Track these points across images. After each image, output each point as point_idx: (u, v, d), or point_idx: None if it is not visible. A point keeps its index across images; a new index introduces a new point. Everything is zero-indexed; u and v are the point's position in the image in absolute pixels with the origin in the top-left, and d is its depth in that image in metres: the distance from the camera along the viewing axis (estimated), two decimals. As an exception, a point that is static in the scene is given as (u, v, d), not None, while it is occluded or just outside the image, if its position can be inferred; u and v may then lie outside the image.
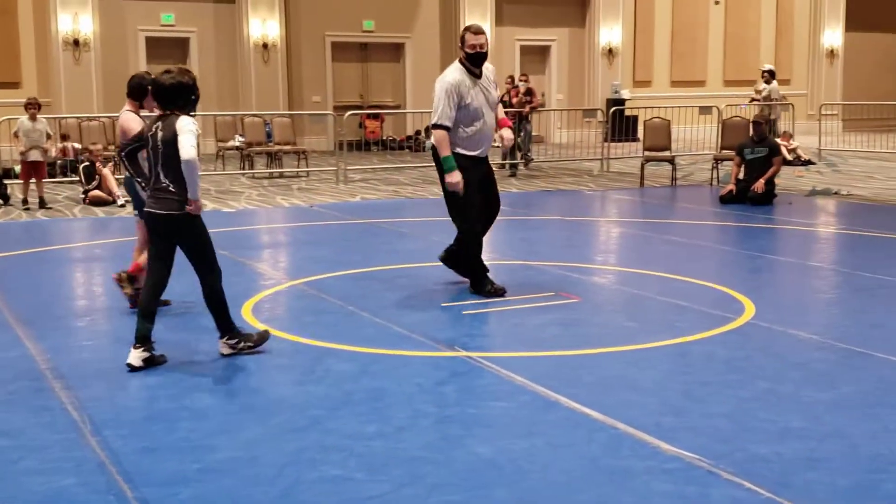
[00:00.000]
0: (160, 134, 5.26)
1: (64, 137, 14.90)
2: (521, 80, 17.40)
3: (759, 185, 11.90)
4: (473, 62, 6.84)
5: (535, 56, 23.95)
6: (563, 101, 23.95)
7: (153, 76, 5.59)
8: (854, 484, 3.65)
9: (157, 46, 20.41)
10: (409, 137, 21.54)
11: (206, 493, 3.62)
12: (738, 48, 26.13)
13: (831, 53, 27.07)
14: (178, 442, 4.13)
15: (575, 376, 5.05)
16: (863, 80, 28.10)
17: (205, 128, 19.80)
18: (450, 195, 6.91)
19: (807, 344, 5.65)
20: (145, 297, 5.39)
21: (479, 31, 6.89)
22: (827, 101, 24.30)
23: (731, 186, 12.28)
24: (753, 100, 19.50)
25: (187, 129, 5.17)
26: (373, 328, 6.02)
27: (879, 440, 4.08)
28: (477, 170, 6.93)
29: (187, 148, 5.13)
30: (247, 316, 6.36)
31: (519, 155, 16.71)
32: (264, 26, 20.41)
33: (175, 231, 5.34)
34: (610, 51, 23.98)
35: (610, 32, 23.92)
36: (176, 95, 5.27)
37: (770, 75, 19.51)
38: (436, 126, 6.78)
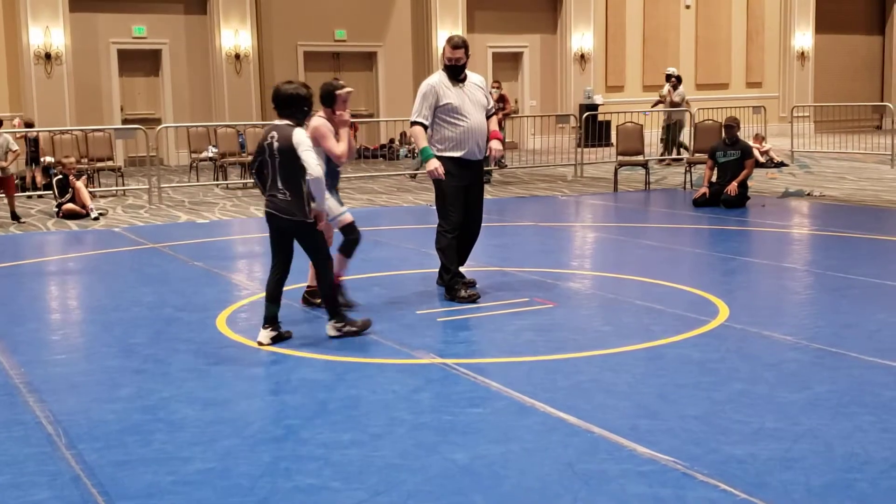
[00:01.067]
0: (276, 144, 5.72)
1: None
2: (493, 87, 17.47)
3: (732, 187, 11.98)
4: (451, 73, 7.02)
5: (508, 63, 24.03)
6: (536, 107, 24.03)
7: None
8: (829, 483, 3.67)
9: (130, 59, 20.33)
10: (382, 146, 21.53)
11: (181, 506, 3.60)
12: (710, 52, 26.32)
13: (802, 56, 27.32)
14: (153, 454, 4.10)
15: (550, 381, 5.06)
16: (833, 81, 28.37)
17: (178, 139, 19.78)
18: (439, 195, 7.03)
19: (780, 345, 5.69)
20: (271, 285, 5.89)
21: (457, 46, 7.00)
22: (798, 104, 24.51)
23: (705, 189, 12.35)
24: (658, 102, 19.67)
25: (307, 146, 5.64)
26: (348, 337, 6.00)
27: (853, 439, 4.11)
28: (463, 176, 6.99)
29: (314, 166, 5.60)
30: (221, 327, 6.34)
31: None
32: (236, 37, 20.37)
33: (294, 233, 5.84)
34: (582, 56, 24.09)
35: (581, 38, 24.03)
36: (291, 103, 5.77)
37: (677, 80, 19.58)
38: (413, 123, 7.03)
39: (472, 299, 6.88)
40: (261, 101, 20.97)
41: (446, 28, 22.18)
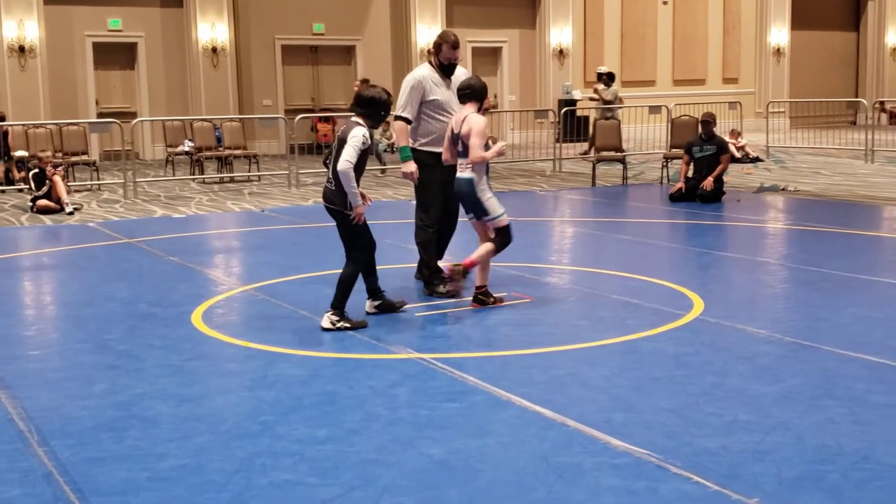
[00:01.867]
0: (338, 134, 6.07)
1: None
2: (472, 82, 17.44)
3: (708, 182, 12.04)
4: (444, 71, 7.06)
5: (487, 57, 24.03)
6: (515, 102, 24.06)
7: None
8: (800, 475, 3.70)
9: (105, 52, 20.19)
10: (361, 140, 21.47)
11: (155, 502, 3.58)
12: (687, 48, 26.43)
13: (778, 52, 27.47)
14: (127, 451, 4.09)
15: (527, 375, 5.07)
16: (809, 77, 28.55)
17: (154, 133, 19.67)
18: (419, 191, 7.09)
19: (754, 338, 5.73)
20: (366, 270, 6.27)
21: (456, 46, 7.03)
22: (774, 99, 24.65)
23: (681, 184, 12.41)
24: (592, 98, 19.70)
25: (353, 142, 5.88)
26: (325, 332, 6.00)
27: (825, 431, 4.14)
28: (443, 170, 6.98)
29: (342, 160, 5.85)
30: (197, 323, 6.31)
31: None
32: (213, 30, 20.27)
33: (339, 221, 6.12)
34: (561, 52, 24.12)
35: (560, 33, 24.07)
36: (368, 104, 6.03)
37: (608, 78, 19.46)
38: (397, 117, 7.03)
39: (452, 295, 6.88)
40: (238, 95, 20.89)
41: (425, 22, 22.17)
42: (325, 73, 22.50)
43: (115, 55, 20.41)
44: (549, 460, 3.88)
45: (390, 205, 12.70)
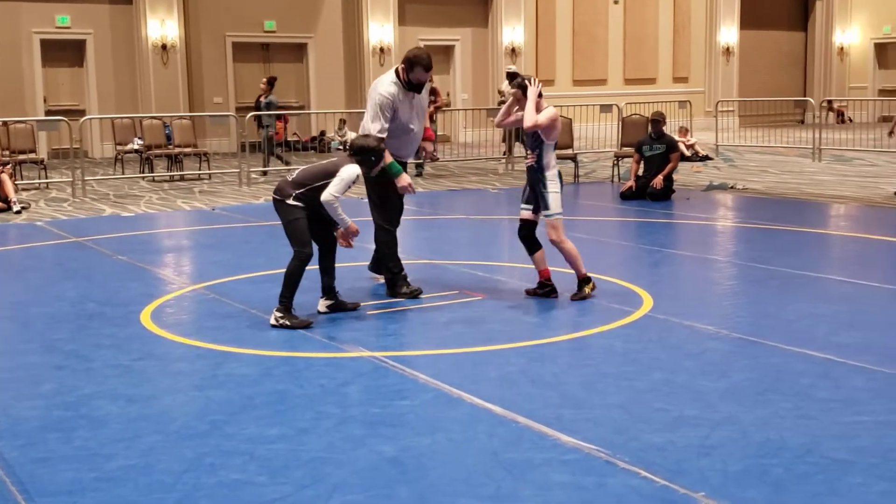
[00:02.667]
0: (328, 163, 6.29)
1: None
2: (424, 80, 17.44)
3: (658, 181, 12.18)
4: (413, 89, 6.95)
5: (440, 56, 24.04)
6: (468, 100, 24.10)
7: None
8: (745, 469, 3.76)
9: (53, 49, 19.92)
10: (313, 138, 21.40)
11: (103, 502, 3.55)
12: (638, 47, 26.67)
13: (727, 51, 27.83)
14: (75, 451, 4.04)
15: (478, 373, 5.10)
16: (757, 77, 28.97)
17: (103, 131, 19.43)
18: (378, 197, 7.07)
19: (702, 334, 5.81)
20: (323, 268, 6.43)
21: (429, 69, 6.93)
22: (723, 98, 24.97)
23: (631, 183, 12.53)
24: (501, 102, 18.90)
25: (344, 177, 6.12)
26: (276, 331, 5.98)
27: (770, 426, 4.21)
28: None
29: (328, 192, 6.07)
30: (146, 322, 6.26)
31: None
32: (163, 27, 20.07)
33: (280, 214, 6.28)
34: (513, 50, 24.22)
35: (512, 32, 24.17)
36: (361, 152, 6.26)
37: (511, 77, 19.25)
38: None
39: (415, 295, 6.89)
40: (188, 93, 20.70)
41: (377, 20, 22.14)
42: (277, 71, 22.30)
43: (64, 52, 20.14)
44: (499, 456, 3.91)
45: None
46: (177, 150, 16.16)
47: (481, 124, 20.70)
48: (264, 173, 16.00)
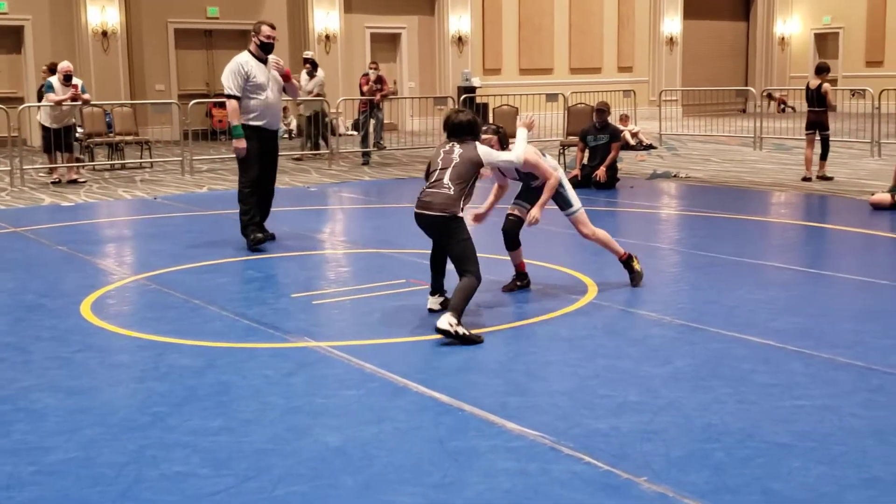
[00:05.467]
0: (455, 154, 5.93)
1: None
2: (371, 68, 17.38)
3: (601, 173, 12.29)
4: (265, 50, 8.30)
5: (386, 44, 23.96)
6: (415, 88, 24.04)
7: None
8: (688, 454, 3.81)
9: (-11, 35, 19.47)
10: (258, 127, 21.20)
11: (42, 496, 3.49)
12: (583, 37, 26.80)
13: (671, 41, 28.08)
14: (13, 445, 3.97)
15: (424, 362, 5.10)
16: (700, 66, 29.27)
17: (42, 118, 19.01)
18: (242, 158, 8.25)
19: (645, 321, 5.87)
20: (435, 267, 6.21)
21: (274, 27, 8.42)
22: (667, 88, 25.20)
23: (577, 171, 12.61)
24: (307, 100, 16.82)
25: (500, 154, 6.19)
26: (219, 322, 5.93)
27: (711, 411, 4.27)
28: (262, 142, 8.30)
29: (513, 154, 6.20)
30: (86, 313, 6.16)
31: (371, 143, 16.72)
32: (103, 13, 19.72)
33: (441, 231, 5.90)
34: (460, 39, 24.20)
35: (459, 21, 24.14)
36: (474, 126, 6.08)
37: (312, 66, 16.76)
38: (228, 97, 8.15)
39: (258, 242, 8.11)
40: (129, 80, 20.38)
41: (322, 7, 21.96)
42: (221, 58, 22.01)
43: (1, 39, 19.69)
44: (445, 445, 3.92)
45: (288, 192, 12.57)
46: (118, 138, 15.90)
47: (428, 112, 20.66)
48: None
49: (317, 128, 16.56)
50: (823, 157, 13.24)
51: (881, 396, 4.46)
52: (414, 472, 3.67)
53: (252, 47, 8.31)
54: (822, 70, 13.39)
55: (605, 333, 5.60)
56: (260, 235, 8.21)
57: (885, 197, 10.34)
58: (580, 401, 4.42)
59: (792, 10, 31.10)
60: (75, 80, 13.84)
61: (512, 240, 6.74)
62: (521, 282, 6.80)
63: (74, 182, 13.67)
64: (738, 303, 6.30)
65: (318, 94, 16.60)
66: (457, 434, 4.03)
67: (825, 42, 30.60)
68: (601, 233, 6.83)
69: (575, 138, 13.98)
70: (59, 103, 13.58)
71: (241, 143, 8.13)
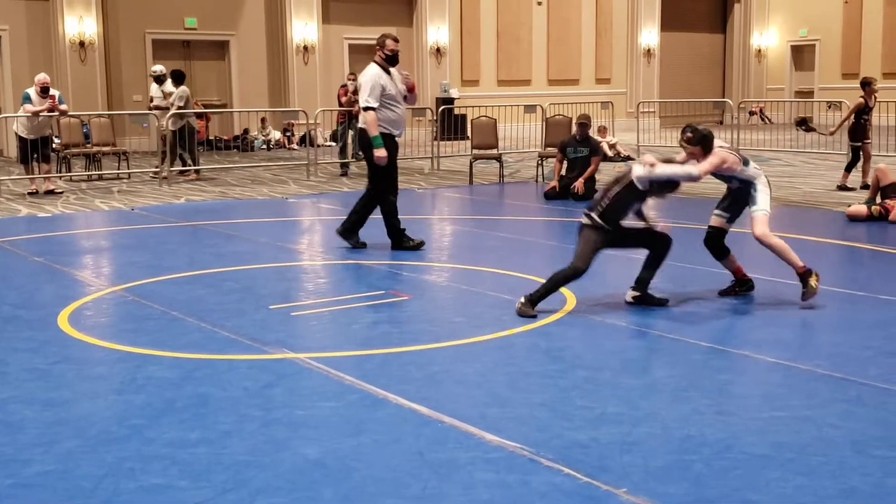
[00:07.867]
0: (624, 175, 6.62)
1: None
2: (349, 80, 17.39)
3: (579, 185, 12.33)
4: (391, 62, 8.67)
5: (364, 55, 23.79)
6: (393, 99, 24.02)
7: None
8: (667, 465, 3.82)
9: (-35, 44, 19.33)
10: (236, 137, 21.17)
11: (18, 511, 3.47)
12: (561, 48, 26.93)
13: (648, 53, 28.26)
14: (-12, 459, 3.93)
15: (404, 373, 5.09)
16: (678, 78, 29.48)
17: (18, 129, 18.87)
18: (377, 168, 8.51)
19: (624, 332, 5.89)
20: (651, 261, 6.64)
21: (398, 40, 8.78)
22: (645, 99, 25.35)
23: (555, 183, 12.66)
24: (157, 107, 15.72)
25: (671, 169, 6.63)
26: (198, 333, 5.90)
27: (690, 422, 4.29)
28: (395, 150, 8.67)
29: (688, 170, 6.69)
30: (64, 325, 6.11)
31: (350, 154, 16.71)
32: (81, 24, 19.63)
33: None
34: (438, 50, 24.25)
35: (437, 32, 24.19)
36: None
37: (175, 78, 15.34)
38: (367, 108, 8.47)
39: (419, 246, 8.66)
40: (106, 91, 20.29)
41: (301, 18, 21.95)
42: (198, 69, 22.04)
43: (-24, 48, 19.56)
44: (425, 456, 3.91)
45: (267, 203, 12.52)
46: (95, 148, 15.81)
47: (408, 123, 20.64)
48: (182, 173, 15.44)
49: (182, 143, 15.20)
50: (847, 168, 13.61)
51: (859, 407, 4.49)
52: (393, 484, 3.66)
53: (378, 59, 8.66)
54: (861, 84, 13.70)
55: (584, 345, 5.61)
56: (419, 240, 8.76)
57: (862, 209, 10.44)
58: (559, 412, 4.43)
59: (768, 22, 31.38)
60: (52, 91, 13.76)
61: (717, 250, 6.92)
62: (739, 287, 6.83)
63: (51, 193, 13.60)
64: (715, 313, 6.33)
65: (179, 108, 15.12)
66: (436, 446, 4.03)
67: (802, 54, 30.89)
68: (776, 240, 6.72)
69: (553, 149, 14.03)
70: (36, 114, 13.50)
71: (383, 153, 8.41)
